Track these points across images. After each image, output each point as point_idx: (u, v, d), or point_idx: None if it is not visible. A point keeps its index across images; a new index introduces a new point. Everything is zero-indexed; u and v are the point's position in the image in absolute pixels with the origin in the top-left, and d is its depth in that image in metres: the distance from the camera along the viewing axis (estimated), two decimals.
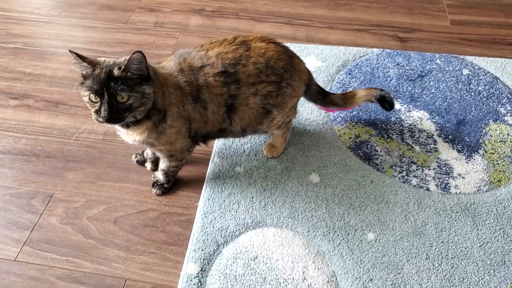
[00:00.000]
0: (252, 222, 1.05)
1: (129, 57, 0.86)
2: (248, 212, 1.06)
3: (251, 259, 0.97)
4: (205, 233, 1.02)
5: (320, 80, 1.39)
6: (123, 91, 0.85)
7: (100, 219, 1.07)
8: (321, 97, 1.17)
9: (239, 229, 1.03)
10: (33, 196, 1.12)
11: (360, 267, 0.96)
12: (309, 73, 1.10)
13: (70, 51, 0.86)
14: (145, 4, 1.73)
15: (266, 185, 1.12)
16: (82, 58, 0.86)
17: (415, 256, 0.98)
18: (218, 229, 1.02)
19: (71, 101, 1.36)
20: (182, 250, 1.00)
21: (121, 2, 1.74)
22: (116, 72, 0.85)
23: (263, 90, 1.00)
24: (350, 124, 1.26)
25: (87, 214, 1.08)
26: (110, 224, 1.06)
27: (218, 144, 1.22)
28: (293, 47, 1.50)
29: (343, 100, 1.18)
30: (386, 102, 1.18)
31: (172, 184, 1.12)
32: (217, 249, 0.99)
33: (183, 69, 0.97)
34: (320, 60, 1.46)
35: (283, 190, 1.11)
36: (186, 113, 0.97)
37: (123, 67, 0.85)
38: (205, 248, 0.99)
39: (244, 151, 1.20)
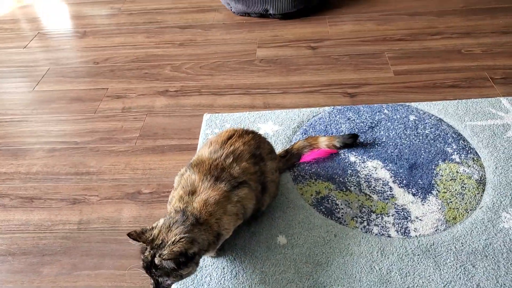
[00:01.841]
0: None
1: (171, 251, 0.94)
2: (220, 283, 1.11)
3: None
4: None
5: (279, 142, 1.52)
6: (161, 277, 0.97)
7: None
8: (286, 155, 1.38)
9: None
10: None
11: None
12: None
13: (128, 235, 0.97)
14: (112, 92, 1.89)
15: (236, 254, 1.18)
16: (138, 237, 0.97)
17: None
18: None
19: (45, 195, 1.43)
20: None
21: (90, 93, 1.89)
22: (157, 260, 0.95)
23: (278, 165, 1.25)
24: (310, 181, 1.36)
25: None
26: None
27: None
28: (252, 115, 1.65)
29: (307, 141, 1.41)
30: (349, 143, 1.43)
31: None
32: None
33: (219, 177, 1.07)
34: (278, 124, 1.59)
35: (252, 256, 1.17)
36: (236, 208, 1.07)
37: (162, 260, 0.94)
38: None
39: None
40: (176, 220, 0.99)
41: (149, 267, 0.96)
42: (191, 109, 1.74)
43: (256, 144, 1.19)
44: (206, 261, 1.16)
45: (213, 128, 1.60)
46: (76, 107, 1.82)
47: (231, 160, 1.11)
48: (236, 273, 1.13)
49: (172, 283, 0.99)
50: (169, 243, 0.95)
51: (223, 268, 1.15)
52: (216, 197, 1.04)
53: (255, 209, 1.16)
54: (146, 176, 1.46)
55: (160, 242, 0.96)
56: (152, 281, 0.98)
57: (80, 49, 2.22)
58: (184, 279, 1.12)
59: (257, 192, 1.14)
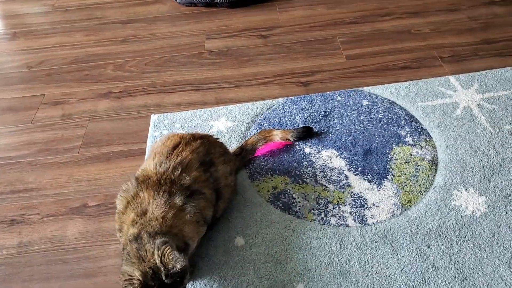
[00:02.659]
0: None
1: (169, 262, 0.92)
2: None
3: None
4: None
5: (233, 139, 1.52)
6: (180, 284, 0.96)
7: None
8: (241, 153, 1.38)
9: None
10: None
11: None
12: None
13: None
14: (49, 99, 1.80)
15: (193, 263, 1.17)
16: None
17: None
18: None
19: None
20: None
21: (24, 101, 1.80)
22: (168, 280, 0.92)
23: (233, 167, 1.26)
24: (266, 177, 1.37)
25: None
26: None
27: None
28: (204, 112, 1.64)
29: (260, 135, 1.42)
30: (303, 137, 1.46)
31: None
32: None
33: (171, 192, 1.06)
34: (231, 120, 1.59)
35: (209, 262, 1.17)
36: (195, 217, 1.06)
37: (172, 273, 0.92)
38: None
39: None
40: (137, 248, 0.96)
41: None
42: (137, 110, 1.70)
43: (205, 151, 1.18)
44: None
45: (162, 129, 1.57)
46: (9, 118, 1.73)
47: (179, 171, 1.10)
48: (193, 282, 1.13)
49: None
50: (162, 261, 0.92)
51: None
52: (173, 211, 1.03)
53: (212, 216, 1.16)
54: (91, 188, 1.42)
55: (156, 269, 0.92)
56: None
57: (10, 53, 2.10)
58: None
59: (212, 200, 1.14)
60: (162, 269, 0.92)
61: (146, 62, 1.95)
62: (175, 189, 1.06)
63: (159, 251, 0.93)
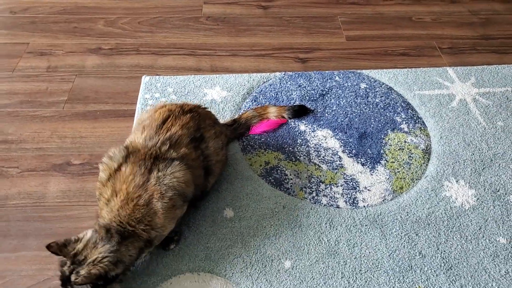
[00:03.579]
0: (167, 271, 1.03)
1: (88, 272, 0.86)
2: (162, 262, 1.05)
3: None
4: None
5: (227, 110, 1.44)
6: None
7: None
8: (234, 124, 1.31)
9: (154, 281, 1.01)
10: None
11: None
12: None
13: (47, 247, 0.89)
14: (34, 48, 1.66)
15: (179, 230, 1.11)
16: (59, 250, 0.89)
17: (331, 277, 1.04)
18: (133, 286, 0.99)
19: None
20: None
21: (6, 48, 1.65)
22: (73, 278, 0.86)
23: (224, 139, 1.18)
24: (259, 151, 1.31)
25: None
26: None
27: None
28: (198, 79, 1.54)
29: (256, 111, 1.36)
30: (300, 113, 1.41)
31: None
32: None
33: (151, 170, 0.98)
34: (226, 90, 1.50)
35: (196, 231, 1.12)
36: (170, 202, 0.97)
37: (77, 281, 0.85)
38: None
39: None
40: (101, 236, 0.90)
41: (66, 282, 0.87)
42: (128, 70, 1.59)
43: (196, 126, 1.09)
44: None
45: (153, 92, 1.47)
46: None
47: (167, 147, 1.01)
48: (179, 250, 1.07)
49: None
50: (89, 261, 0.87)
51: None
52: (146, 197, 0.94)
53: (199, 190, 1.09)
54: (76, 145, 1.32)
55: (83, 258, 0.88)
56: None
57: None
58: None
59: (200, 179, 1.07)
60: (78, 267, 0.88)
61: (140, 20, 1.82)
62: (154, 166, 0.98)
63: (97, 257, 0.88)
